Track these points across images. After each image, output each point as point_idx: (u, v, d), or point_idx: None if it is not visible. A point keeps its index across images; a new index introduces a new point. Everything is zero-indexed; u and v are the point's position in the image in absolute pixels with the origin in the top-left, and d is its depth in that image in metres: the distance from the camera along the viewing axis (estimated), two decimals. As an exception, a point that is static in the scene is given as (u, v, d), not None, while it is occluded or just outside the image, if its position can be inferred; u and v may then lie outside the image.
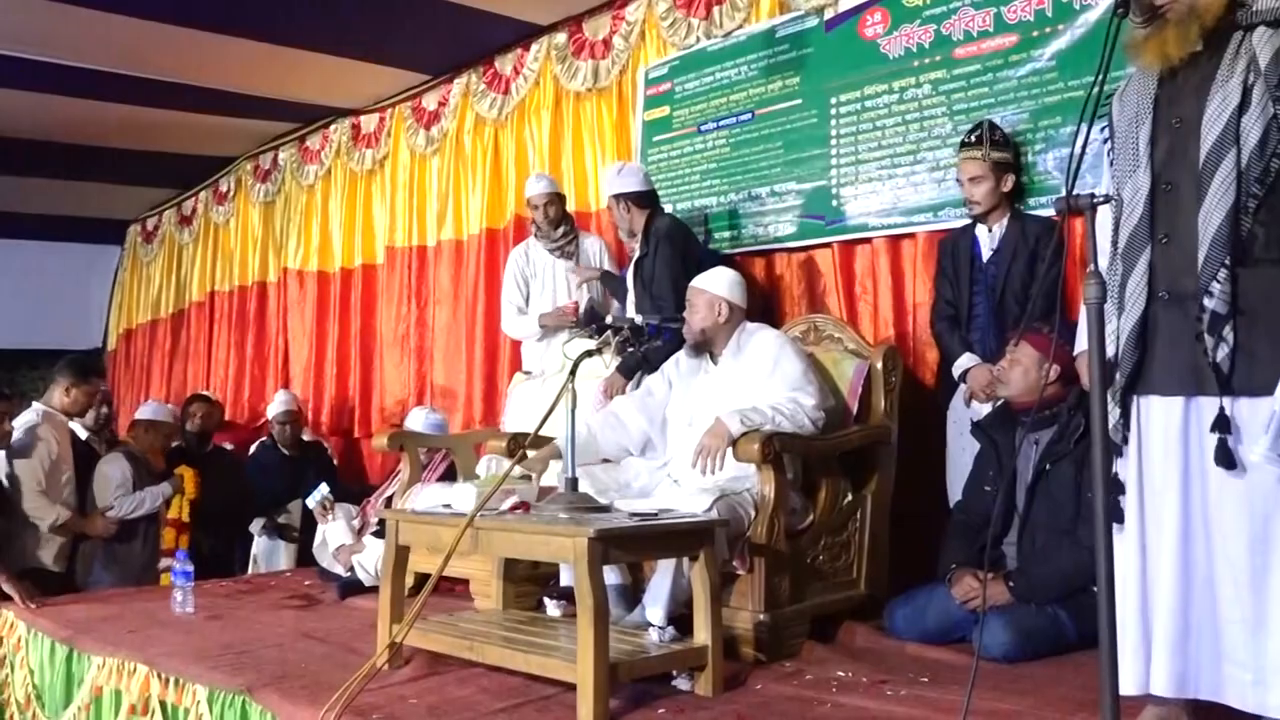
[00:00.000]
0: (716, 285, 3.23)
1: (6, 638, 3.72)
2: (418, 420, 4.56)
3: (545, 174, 4.64)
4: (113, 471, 4.67)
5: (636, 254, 3.89)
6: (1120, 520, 1.98)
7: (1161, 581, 1.96)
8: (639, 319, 3.29)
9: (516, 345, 4.76)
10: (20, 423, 4.47)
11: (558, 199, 4.41)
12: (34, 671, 3.47)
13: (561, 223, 4.39)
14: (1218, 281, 1.89)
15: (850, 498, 3.16)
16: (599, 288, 4.37)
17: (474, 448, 4.30)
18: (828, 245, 4.07)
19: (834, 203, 4.02)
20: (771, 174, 4.23)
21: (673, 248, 3.79)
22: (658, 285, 3.69)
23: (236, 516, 5.13)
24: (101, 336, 9.31)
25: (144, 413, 5.02)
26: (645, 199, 3.93)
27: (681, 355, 3.32)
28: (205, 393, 6.07)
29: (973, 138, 3.37)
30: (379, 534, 3.96)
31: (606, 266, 4.43)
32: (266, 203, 7.25)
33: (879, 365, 3.29)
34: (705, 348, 3.24)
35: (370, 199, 6.42)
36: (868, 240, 3.94)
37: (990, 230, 3.34)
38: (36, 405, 4.61)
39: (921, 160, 3.77)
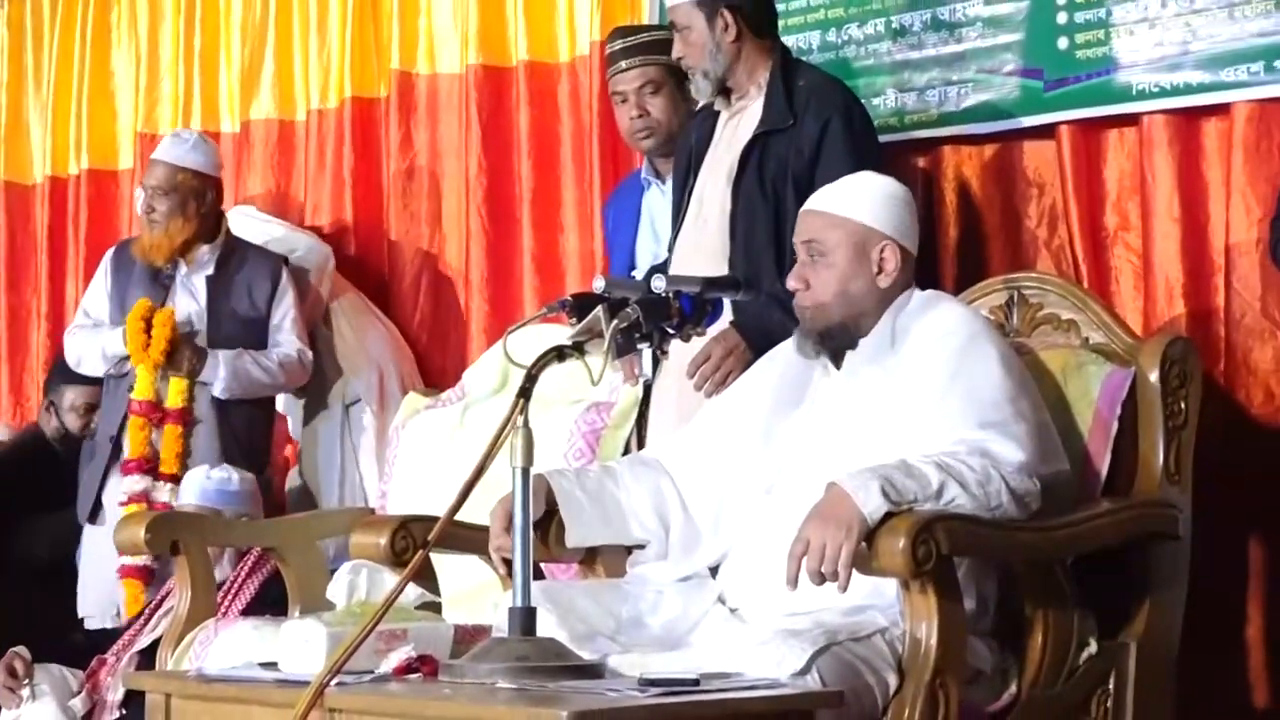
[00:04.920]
0: (872, 209, 3.28)
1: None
2: (200, 488, 4.63)
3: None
4: None
5: (754, 127, 3.94)
6: None
7: None
8: (662, 286, 3.28)
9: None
10: None
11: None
12: None
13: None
14: None
15: (1095, 648, 3.18)
16: None
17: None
18: (1049, 130, 4.14)
19: (1063, 44, 4.09)
20: (939, -9, 4.34)
21: (867, 136, 3.91)
22: None
23: None
24: None
25: None
26: (766, 18, 4.03)
27: (780, 356, 3.40)
28: None
29: None
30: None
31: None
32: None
33: (1154, 377, 3.32)
34: (841, 341, 3.28)
35: (105, 42, 6.58)
36: (1133, 119, 4.00)
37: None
38: None
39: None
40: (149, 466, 5.20)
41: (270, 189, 6.05)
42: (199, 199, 5.33)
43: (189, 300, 5.35)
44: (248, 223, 5.77)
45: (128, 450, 5.26)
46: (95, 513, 5.39)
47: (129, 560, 5.04)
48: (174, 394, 5.22)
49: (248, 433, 5.38)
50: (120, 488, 5.22)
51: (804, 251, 3.28)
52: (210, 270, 5.38)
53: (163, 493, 5.12)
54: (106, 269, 5.55)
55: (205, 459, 5.12)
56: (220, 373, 5.23)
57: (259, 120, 6.03)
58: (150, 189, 5.33)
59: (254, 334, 5.36)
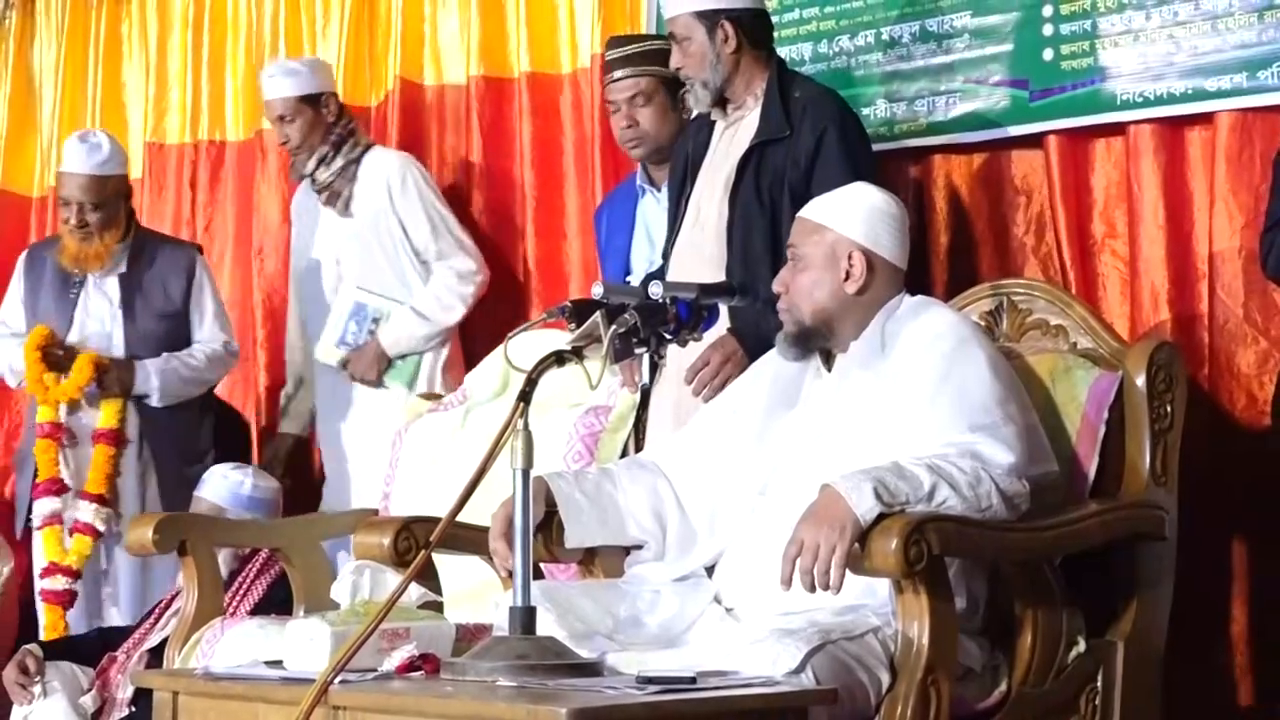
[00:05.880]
0: (847, 218, 3.29)
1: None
2: (220, 488, 4.65)
3: (289, 61, 5.48)
4: None
5: (751, 137, 3.95)
6: None
7: None
8: (659, 292, 3.26)
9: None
10: None
11: (308, 107, 5.19)
12: None
13: (323, 144, 5.22)
14: None
15: (1083, 646, 3.20)
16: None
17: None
18: (1037, 139, 4.18)
19: (1048, 55, 4.12)
20: (925, 2, 4.35)
21: (861, 145, 3.93)
22: None
23: None
24: None
25: None
26: (763, 30, 4.05)
27: (774, 359, 3.40)
28: None
29: None
30: (136, 720, 4.03)
31: (402, 198, 5.16)
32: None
33: (1140, 382, 3.33)
34: (816, 342, 3.30)
35: (117, 54, 6.62)
36: (1119, 129, 4.03)
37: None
38: None
39: (1224, -28, 3.87)
40: (59, 488, 5.09)
41: (283, 194, 5.97)
42: (126, 201, 5.24)
43: (102, 302, 5.20)
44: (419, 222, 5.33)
45: (38, 472, 5.14)
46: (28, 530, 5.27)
47: (49, 584, 5.02)
48: (107, 414, 5.07)
49: (184, 437, 5.25)
50: (36, 510, 5.13)
51: (789, 256, 3.32)
52: (122, 268, 5.21)
53: (85, 513, 5.02)
54: (20, 276, 5.40)
55: (130, 477, 5.12)
56: (154, 382, 5.09)
57: (268, 130, 5.92)
58: (79, 203, 5.08)
59: (172, 330, 5.20)
